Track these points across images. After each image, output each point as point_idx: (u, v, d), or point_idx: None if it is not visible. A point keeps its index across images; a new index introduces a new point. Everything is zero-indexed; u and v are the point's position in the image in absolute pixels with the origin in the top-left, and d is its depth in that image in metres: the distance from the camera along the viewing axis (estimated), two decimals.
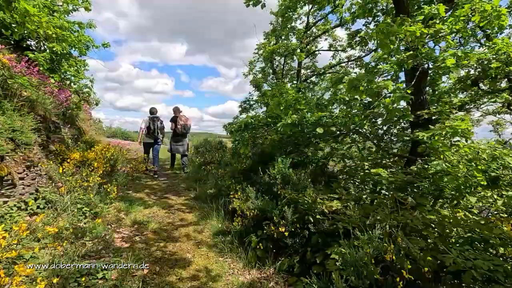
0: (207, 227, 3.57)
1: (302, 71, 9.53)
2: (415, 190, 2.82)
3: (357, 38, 5.67)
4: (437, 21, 2.97)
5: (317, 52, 9.46)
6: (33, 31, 4.56)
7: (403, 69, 3.00)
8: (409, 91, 2.99)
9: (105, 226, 3.26)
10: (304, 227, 2.67)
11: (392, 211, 2.35)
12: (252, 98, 9.06)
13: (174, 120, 6.67)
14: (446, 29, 2.57)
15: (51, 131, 4.42)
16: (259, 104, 8.61)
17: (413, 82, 3.20)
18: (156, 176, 6.18)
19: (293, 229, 2.56)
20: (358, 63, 8.85)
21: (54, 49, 5.53)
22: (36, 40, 6.08)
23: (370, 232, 2.13)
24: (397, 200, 2.35)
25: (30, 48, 6.01)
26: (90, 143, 6.33)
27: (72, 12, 6.38)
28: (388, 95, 3.20)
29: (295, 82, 9.34)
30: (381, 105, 3.11)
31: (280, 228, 2.55)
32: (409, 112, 3.09)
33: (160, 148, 6.54)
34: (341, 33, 16.10)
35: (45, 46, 5.89)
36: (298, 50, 7.72)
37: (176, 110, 6.81)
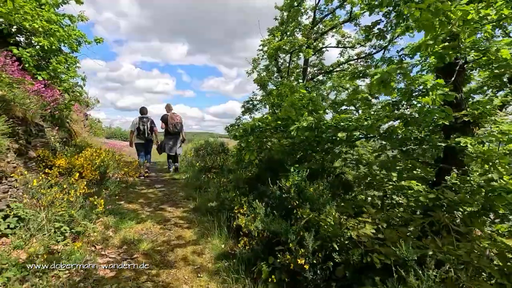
0: (208, 247, 3.07)
1: (308, 69, 9.03)
2: (460, 210, 2.31)
3: (375, 30, 5.15)
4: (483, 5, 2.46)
5: (324, 49, 8.94)
6: (15, 22, 4.09)
7: (443, 63, 2.48)
8: (446, 89, 2.48)
9: (87, 248, 2.76)
10: (327, 256, 2.17)
11: (442, 240, 1.85)
12: (256, 97, 8.56)
13: (165, 119, 6.36)
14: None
15: (32, 135, 3.93)
16: (264, 104, 8.11)
17: (452, 79, 2.70)
18: (147, 172, 6.03)
19: (314, 261, 2.06)
20: (369, 61, 8.33)
21: (41, 44, 5.05)
22: (25, 36, 5.61)
23: (420, 270, 1.62)
24: (450, 227, 1.85)
25: (20, 44, 5.54)
26: (81, 146, 5.84)
27: (62, 5, 5.90)
28: (420, 92, 2.69)
29: (300, 80, 8.83)
30: (417, 104, 2.61)
31: (298, 260, 2.05)
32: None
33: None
34: (349, 29, 15.52)
35: (35, 42, 5.42)
36: (305, 47, 7.21)
37: (168, 108, 6.51)
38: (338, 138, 2.74)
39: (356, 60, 8.57)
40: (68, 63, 5.85)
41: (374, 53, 8.27)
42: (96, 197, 3.40)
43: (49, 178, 3.24)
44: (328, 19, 8.60)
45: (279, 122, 3.63)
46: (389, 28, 5.06)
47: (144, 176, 5.95)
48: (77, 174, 3.79)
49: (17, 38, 5.48)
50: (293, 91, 4.46)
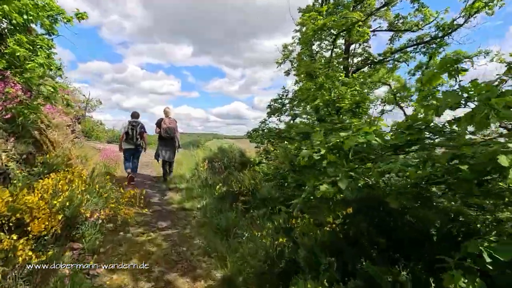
0: None
1: (349, 60, 7.18)
2: None
3: None
4: None
5: (371, 35, 7.10)
6: None
7: None
8: None
9: None
10: None
11: None
12: (287, 95, 6.74)
13: (158, 123, 5.97)
14: None
15: None
16: (301, 102, 6.29)
17: None
18: (132, 183, 5.48)
19: None
20: (433, 45, 6.44)
21: None
22: None
23: None
24: None
25: None
26: (54, 165, 4.08)
27: None
28: None
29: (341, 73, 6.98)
30: None
31: None
32: None
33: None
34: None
35: None
36: (358, 26, 5.39)
37: (165, 113, 6.07)
38: None
39: (416, 46, 6.69)
40: (36, 46, 4.12)
41: (442, 36, 6.37)
42: None
43: None
44: None
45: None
46: None
47: (131, 182, 5.50)
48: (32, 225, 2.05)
49: None
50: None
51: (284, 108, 6.66)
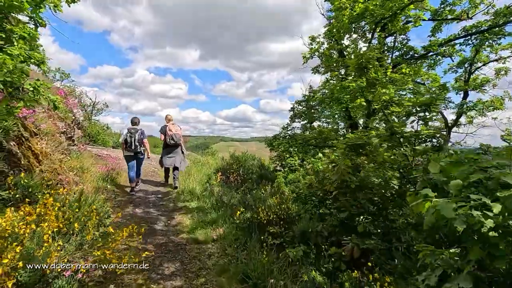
0: None
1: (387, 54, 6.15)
2: None
3: None
4: None
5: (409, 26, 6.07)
6: None
7: None
8: None
9: None
10: None
11: None
12: (312, 96, 5.75)
13: (163, 130, 5.86)
14: None
15: None
16: (327, 104, 5.31)
17: None
18: (135, 190, 5.43)
19: None
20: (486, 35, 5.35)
21: None
22: None
23: None
24: None
25: None
26: (30, 187, 3.20)
27: None
28: None
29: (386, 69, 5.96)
30: None
31: None
32: None
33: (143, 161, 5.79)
34: None
35: None
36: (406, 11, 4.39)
37: (167, 119, 5.98)
38: None
39: (468, 37, 5.62)
40: (13, 35, 3.28)
41: (501, 25, 5.29)
42: None
43: None
44: None
45: None
46: None
47: (133, 191, 5.36)
48: None
49: None
50: None
51: (310, 110, 5.66)
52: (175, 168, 5.81)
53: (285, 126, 6.42)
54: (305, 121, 6.94)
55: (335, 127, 7.21)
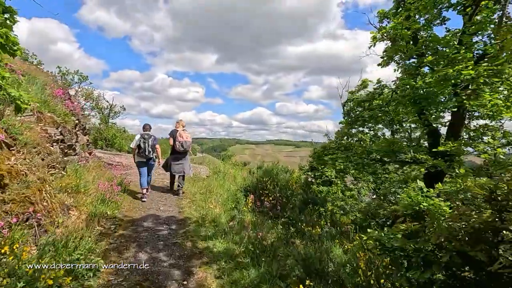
0: None
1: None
2: None
3: None
4: None
5: None
6: None
7: None
8: None
9: None
10: None
11: None
12: (380, 94, 4.19)
13: (173, 135, 5.64)
14: None
15: None
16: (402, 105, 3.74)
17: None
18: (145, 198, 5.24)
19: None
20: None
21: None
22: None
23: None
24: None
25: None
26: None
27: None
28: None
29: None
30: None
31: None
32: None
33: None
34: None
35: None
36: None
37: (178, 124, 5.80)
38: None
39: None
40: None
41: None
42: None
43: None
44: None
45: None
46: None
47: (144, 198, 5.22)
48: None
49: None
50: None
51: (376, 112, 4.10)
52: (182, 176, 5.74)
53: (340, 133, 4.88)
54: (370, 127, 5.51)
55: (400, 136, 5.67)
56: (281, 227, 3.67)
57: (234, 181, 7.58)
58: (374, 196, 8.76)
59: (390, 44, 4.22)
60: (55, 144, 4.58)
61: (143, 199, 5.21)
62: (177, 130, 5.65)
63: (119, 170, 8.30)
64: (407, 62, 4.40)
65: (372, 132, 6.35)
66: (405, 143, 4.15)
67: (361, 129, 5.40)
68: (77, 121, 6.27)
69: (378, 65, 4.99)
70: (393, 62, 4.87)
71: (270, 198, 4.36)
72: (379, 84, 4.22)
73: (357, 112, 4.38)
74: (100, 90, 27.06)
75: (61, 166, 4.51)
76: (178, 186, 5.71)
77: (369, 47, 4.04)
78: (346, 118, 5.03)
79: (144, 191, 5.32)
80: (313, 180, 10.78)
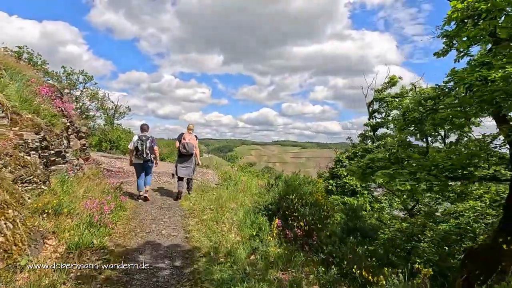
0: None
1: None
2: None
3: None
4: None
5: None
6: None
7: None
8: None
9: None
10: None
11: None
12: (445, 88, 3.19)
13: (179, 138, 5.77)
14: None
15: None
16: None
17: None
18: (144, 199, 5.33)
19: None
20: None
21: None
22: None
23: None
24: None
25: None
26: None
27: None
28: None
29: None
30: None
31: None
32: None
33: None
34: None
35: None
36: None
37: (187, 128, 5.90)
38: None
39: None
40: None
41: None
42: None
43: None
44: None
45: None
46: None
47: (141, 199, 5.34)
48: None
49: None
50: None
51: (451, 112, 3.07)
52: (189, 180, 5.85)
53: (390, 138, 3.88)
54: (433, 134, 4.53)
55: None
56: (322, 268, 2.70)
57: (249, 190, 6.64)
58: (404, 212, 7.68)
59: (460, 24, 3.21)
60: (33, 152, 3.71)
61: (139, 200, 5.29)
62: (183, 133, 5.74)
63: (118, 178, 7.47)
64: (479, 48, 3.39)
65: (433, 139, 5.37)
66: (483, 154, 3.12)
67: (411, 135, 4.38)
68: (68, 124, 5.43)
69: (435, 54, 3.98)
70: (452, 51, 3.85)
71: (301, 223, 3.41)
72: (450, 77, 3.21)
73: (415, 114, 3.38)
74: (105, 91, 26.46)
75: (40, 180, 3.65)
76: (188, 189, 5.89)
77: (443, 25, 3.05)
78: (399, 120, 4.01)
79: (142, 192, 5.32)
80: (333, 189, 9.69)
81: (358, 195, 7.95)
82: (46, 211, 3.34)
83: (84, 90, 19.82)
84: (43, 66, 17.96)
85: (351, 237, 3.32)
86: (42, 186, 3.69)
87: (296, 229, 3.37)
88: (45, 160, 4.22)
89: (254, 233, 3.33)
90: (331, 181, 8.46)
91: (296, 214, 3.61)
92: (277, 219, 3.32)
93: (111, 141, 18.66)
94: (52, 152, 4.51)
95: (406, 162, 3.29)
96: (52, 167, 4.64)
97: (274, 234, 3.25)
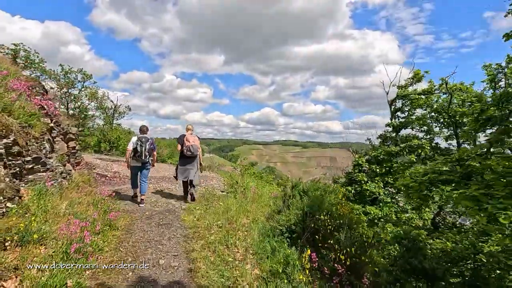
0: None
1: None
2: None
3: None
4: None
5: None
6: None
7: None
8: None
9: None
10: None
11: None
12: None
13: (181, 140, 5.55)
14: None
15: None
16: None
17: None
18: (141, 205, 5.14)
19: None
20: None
21: None
22: None
23: None
24: None
25: None
26: None
27: None
28: None
29: None
30: None
31: None
32: None
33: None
34: None
35: None
36: None
37: (186, 129, 5.71)
38: None
39: None
40: None
41: None
42: None
43: None
44: None
45: None
46: None
47: (140, 202, 5.21)
48: None
49: None
50: None
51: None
52: (191, 182, 5.65)
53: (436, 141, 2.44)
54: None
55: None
56: None
57: (260, 200, 5.84)
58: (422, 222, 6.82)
59: None
60: None
61: (140, 205, 5.15)
62: (185, 135, 5.54)
63: (113, 185, 6.68)
64: None
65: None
66: None
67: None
68: (52, 124, 4.65)
69: (504, 36, 3.16)
70: None
71: (340, 255, 2.60)
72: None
73: (494, 113, 2.59)
74: (105, 90, 25.65)
75: (5, 197, 2.88)
76: (191, 194, 5.69)
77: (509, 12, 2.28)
78: (471, 121, 3.20)
79: (136, 191, 5.29)
80: (350, 196, 8.70)
81: (381, 204, 7.09)
82: (8, 239, 2.57)
83: (83, 89, 19.08)
84: (40, 64, 17.25)
85: (412, 279, 2.49)
86: (8, 204, 2.92)
87: (333, 263, 2.57)
88: (17, 170, 3.45)
89: (280, 270, 2.53)
90: (349, 188, 7.65)
91: (330, 241, 2.80)
92: (308, 251, 2.52)
93: (110, 141, 17.90)
94: (27, 159, 3.73)
95: (482, 176, 2.45)
96: (30, 177, 3.86)
97: (307, 272, 2.45)
